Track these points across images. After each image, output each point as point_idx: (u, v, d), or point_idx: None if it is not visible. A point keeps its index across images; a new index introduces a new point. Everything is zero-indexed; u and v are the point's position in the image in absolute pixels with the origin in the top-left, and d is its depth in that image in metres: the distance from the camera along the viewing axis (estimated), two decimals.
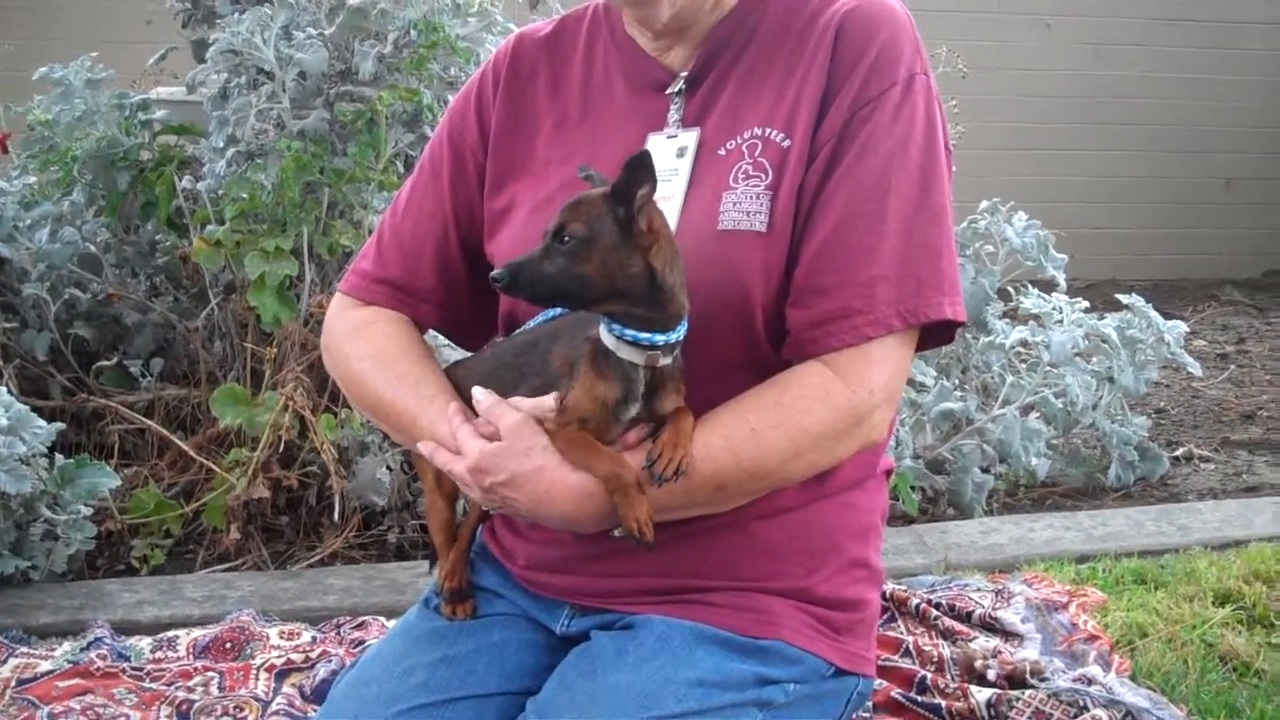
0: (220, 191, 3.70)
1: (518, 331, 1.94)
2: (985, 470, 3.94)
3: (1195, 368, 4.24)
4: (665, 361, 1.70)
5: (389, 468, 3.42)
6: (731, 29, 1.93)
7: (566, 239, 1.64)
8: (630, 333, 1.67)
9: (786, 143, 1.83)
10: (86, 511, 3.19)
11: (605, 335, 1.70)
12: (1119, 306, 4.30)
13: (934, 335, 1.89)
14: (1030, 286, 4.31)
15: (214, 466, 3.47)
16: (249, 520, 3.42)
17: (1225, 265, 8.17)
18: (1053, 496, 4.08)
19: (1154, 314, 4.19)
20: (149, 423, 3.64)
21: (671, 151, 1.90)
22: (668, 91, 1.94)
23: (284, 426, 3.36)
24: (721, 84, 1.92)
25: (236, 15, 3.85)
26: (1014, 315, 4.41)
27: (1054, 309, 4.11)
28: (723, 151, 1.87)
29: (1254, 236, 8.29)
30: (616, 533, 1.77)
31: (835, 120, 1.82)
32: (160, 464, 3.63)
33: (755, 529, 1.89)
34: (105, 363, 3.84)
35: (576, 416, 1.72)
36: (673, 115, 1.93)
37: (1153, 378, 4.24)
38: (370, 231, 3.54)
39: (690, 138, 1.90)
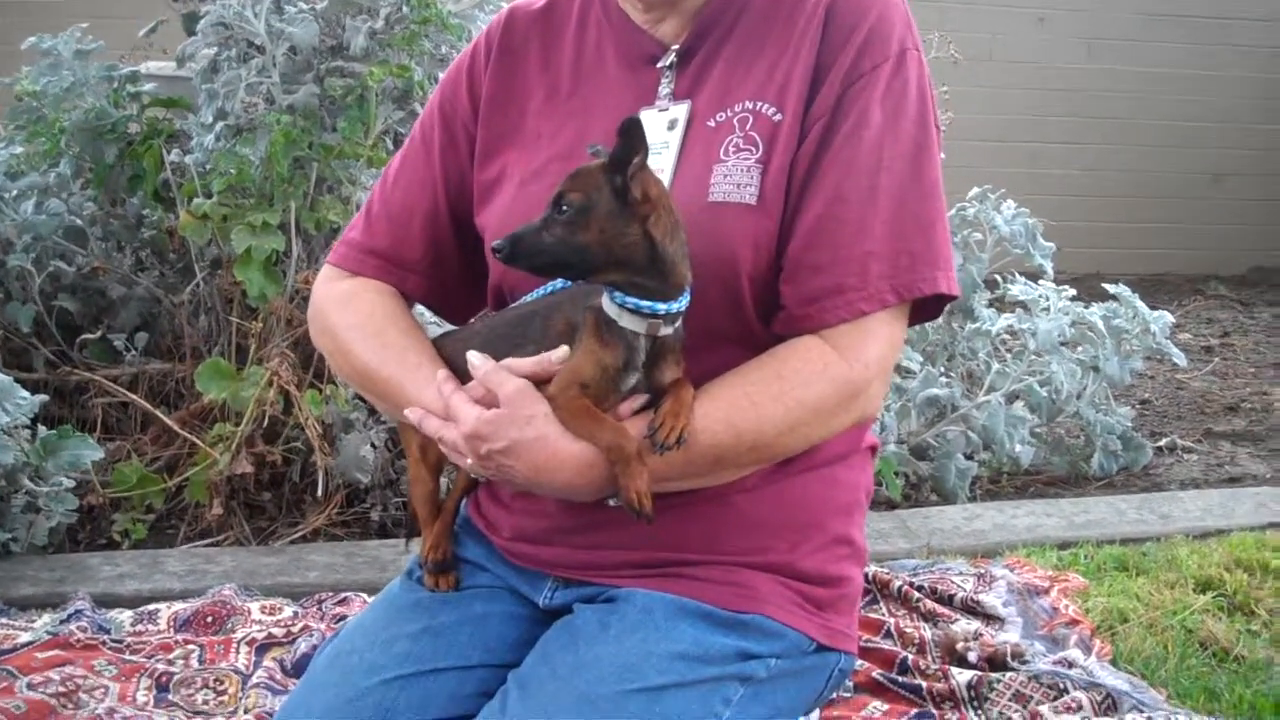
0: (208, 166, 3.68)
1: (512, 305, 1.93)
2: (969, 457, 3.95)
3: (1180, 358, 4.25)
4: (667, 331, 1.70)
5: (373, 445, 3.42)
6: (724, 3, 1.92)
7: (564, 209, 1.64)
8: (633, 301, 1.67)
9: (778, 116, 1.83)
10: (68, 484, 3.18)
11: (608, 304, 1.70)
12: (1106, 299, 4.31)
13: (926, 309, 1.89)
14: (1017, 275, 4.31)
15: (197, 441, 3.45)
16: (231, 496, 3.41)
17: (1212, 260, 8.20)
18: (1036, 484, 4.09)
19: (1140, 304, 4.20)
20: (133, 397, 3.62)
21: (663, 124, 1.90)
22: (659, 65, 1.94)
23: (268, 402, 3.35)
24: (713, 58, 1.91)
25: None
26: (1001, 303, 4.42)
27: (1040, 296, 4.12)
28: (713, 124, 1.86)
29: (1241, 232, 8.32)
30: (612, 502, 1.76)
31: (828, 96, 1.82)
32: (143, 438, 3.61)
33: (737, 502, 1.89)
34: (90, 336, 3.81)
35: (577, 381, 1.71)
36: (664, 88, 1.93)
37: (1138, 368, 4.25)
38: (359, 207, 3.53)
39: (681, 110, 1.89)
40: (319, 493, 3.38)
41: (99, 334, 3.81)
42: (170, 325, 3.88)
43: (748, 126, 1.84)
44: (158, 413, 3.58)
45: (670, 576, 1.89)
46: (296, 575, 3.09)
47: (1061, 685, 2.51)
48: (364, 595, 2.94)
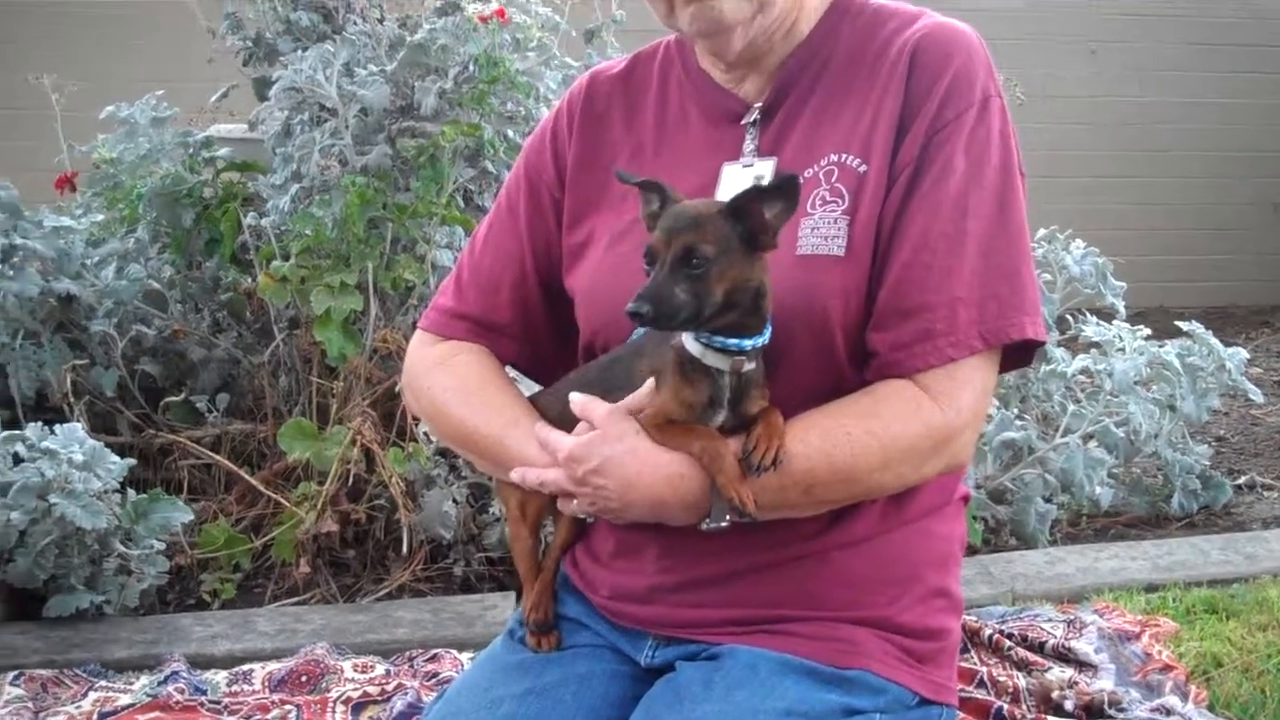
0: (284, 228, 3.74)
1: (600, 356, 1.96)
2: (1048, 500, 3.91)
3: (1257, 394, 4.20)
4: (750, 366, 1.72)
5: (455, 500, 3.44)
6: (805, 58, 1.95)
7: (696, 261, 1.64)
8: (719, 340, 1.69)
9: (863, 168, 1.85)
10: (159, 546, 3.22)
11: (690, 343, 1.71)
12: (1171, 334, 4.27)
13: (1015, 356, 1.90)
14: (1089, 314, 4.29)
15: (282, 500, 3.49)
16: (317, 554, 3.44)
17: (1276, 291, 8.10)
18: (1115, 526, 4.05)
19: (1214, 341, 4.16)
20: (217, 457, 3.67)
21: (748, 180, 1.92)
22: (743, 122, 1.96)
23: (351, 460, 3.39)
24: (796, 113, 1.93)
25: (298, 53, 3.90)
26: (1072, 343, 4.40)
27: (1115, 337, 4.09)
28: (800, 179, 1.88)
29: None
30: (706, 525, 1.76)
31: (913, 145, 1.84)
32: (228, 499, 3.66)
33: (836, 558, 1.89)
34: (172, 398, 3.87)
35: (665, 419, 1.73)
36: (748, 145, 1.95)
37: (1214, 405, 4.20)
38: (434, 266, 3.59)
39: (767, 167, 1.91)
40: (403, 549, 3.41)
41: (181, 396, 3.87)
42: (251, 386, 3.94)
43: (833, 179, 1.86)
44: (242, 473, 3.62)
45: (772, 633, 1.89)
46: (385, 632, 3.12)
47: None
48: (453, 652, 2.96)
